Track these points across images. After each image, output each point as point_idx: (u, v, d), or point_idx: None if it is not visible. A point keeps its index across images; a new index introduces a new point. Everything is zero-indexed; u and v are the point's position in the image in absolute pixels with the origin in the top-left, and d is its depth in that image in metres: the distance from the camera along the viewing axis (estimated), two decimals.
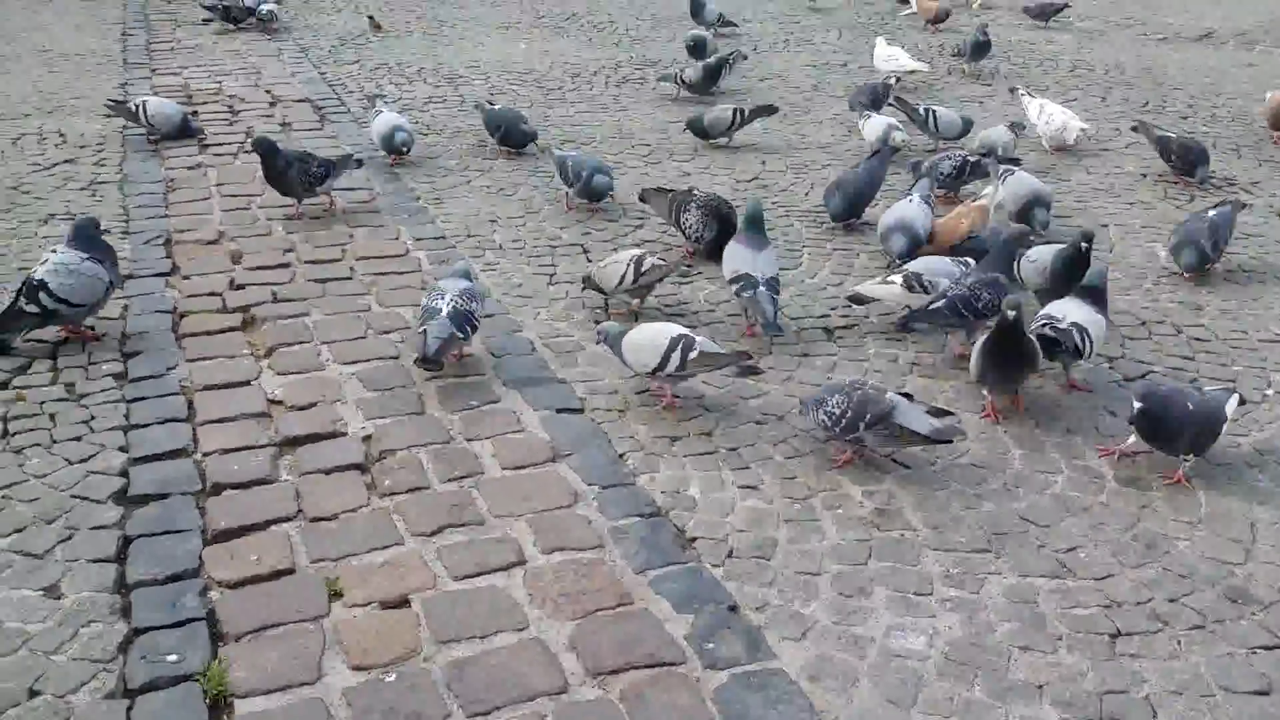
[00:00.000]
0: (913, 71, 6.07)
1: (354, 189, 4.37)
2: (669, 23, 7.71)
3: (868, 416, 2.52)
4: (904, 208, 3.77)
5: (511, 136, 4.78)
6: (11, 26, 7.20)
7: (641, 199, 4.08)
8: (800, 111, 5.64)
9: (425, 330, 2.91)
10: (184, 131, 4.87)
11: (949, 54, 6.78)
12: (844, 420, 2.55)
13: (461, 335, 2.94)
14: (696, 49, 6.25)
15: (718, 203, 3.81)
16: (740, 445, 2.70)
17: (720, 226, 3.71)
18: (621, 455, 2.65)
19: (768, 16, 8.01)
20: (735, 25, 7.18)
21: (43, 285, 2.99)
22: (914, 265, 3.34)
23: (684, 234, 3.81)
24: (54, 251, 3.11)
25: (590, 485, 2.52)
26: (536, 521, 2.38)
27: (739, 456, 2.66)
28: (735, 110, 4.98)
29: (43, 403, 2.78)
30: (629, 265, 3.30)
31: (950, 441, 2.59)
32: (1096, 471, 2.63)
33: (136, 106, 4.85)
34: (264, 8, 7.36)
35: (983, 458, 2.68)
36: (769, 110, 5.12)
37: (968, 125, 4.93)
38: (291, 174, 4.03)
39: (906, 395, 2.65)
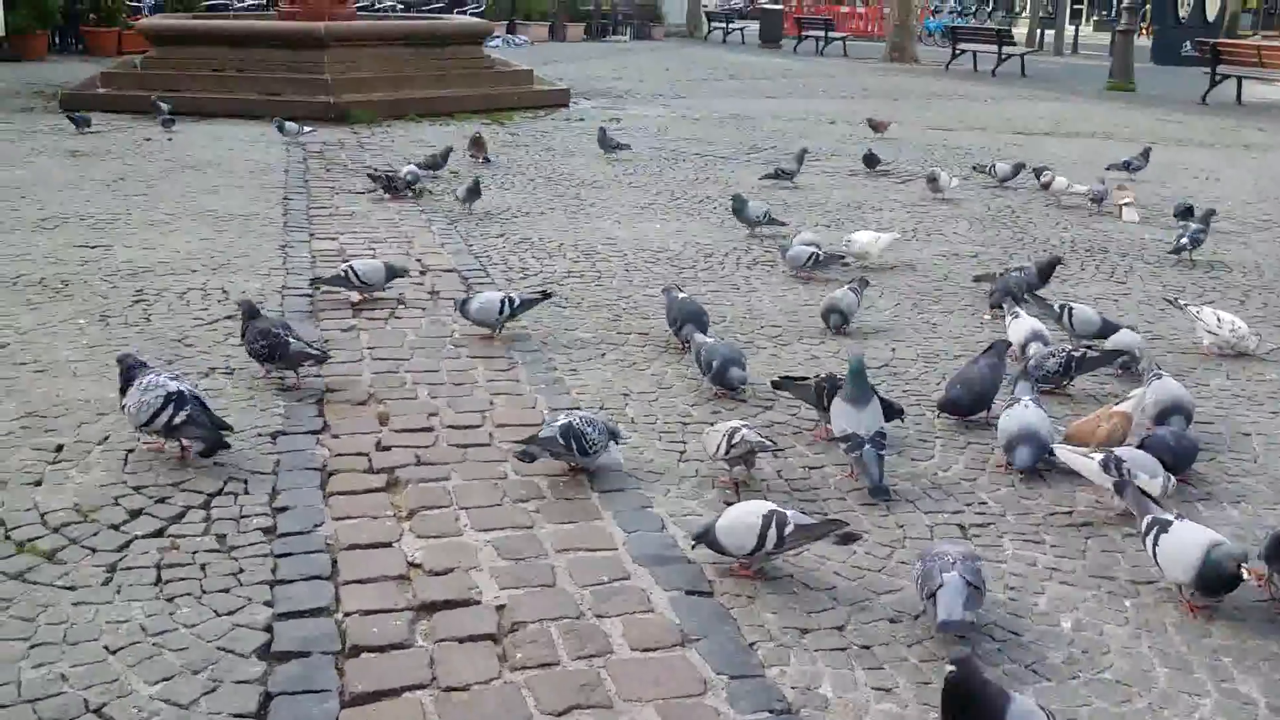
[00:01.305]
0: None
1: (492, 358, 4.54)
2: (799, 209, 7.94)
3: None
4: (1025, 415, 3.66)
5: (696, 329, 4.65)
6: (183, 190, 7.78)
7: (776, 387, 4.13)
8: (930, 300, 5.69)
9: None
10: (391, 277, 5.19)
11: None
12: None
13: (566, 446, 3.32)
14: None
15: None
16: (874, 643, 2.65)
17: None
18: (751, 644, 2.63)
19: (897, 205, 8.18)
20: (782, 224, 7.00)
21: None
22: (1120, 449, 3.38)
23: (825, 414, 3.81)
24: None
25: (720, 674, 2.49)
26: (665, 709, 2.36)
27: (873, 655, 2.60)
28: (851, 288, 5.10)
29: (195, 552, 2.90)
30: (724, 436, 3.41)
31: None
32: (1247, 697, 2.50)
33: (345, 272, 5.11)
34: (407, 169, 7.91)
35: (1125, 673, 2.57)
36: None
37: (1106, 326, 4.88)
38: (249, 342, 4.07)
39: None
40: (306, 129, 9.98)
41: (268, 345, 3.99)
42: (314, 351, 4.09)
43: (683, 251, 6.53)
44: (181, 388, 3.39)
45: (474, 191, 7.31)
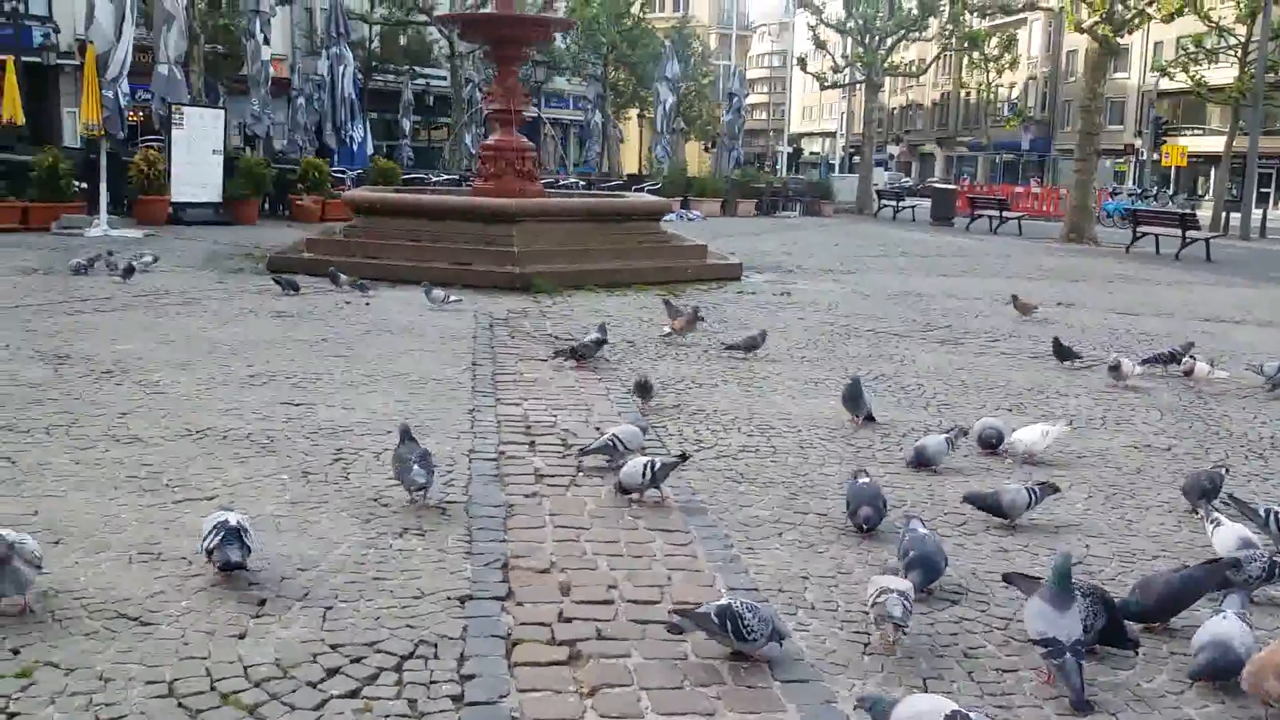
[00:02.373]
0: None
1: (670, 531, 4.56)
2: (978, 389, 7.81)
3: None
4: (1219, 624, 3.42)
5: (870, 522, 4.63)
6: (379, 353, 8.21)
7: (1007, 581, 3.97)
8: (1124, 495, 5.46)
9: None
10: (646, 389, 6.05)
11: None
12: None
13: (720, 626, 3.35)
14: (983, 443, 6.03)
15: (1101, 592, 3.64)
16: None
17: (1108, 615, 3.55)
18: None
19: (1082, 391, 7.95)
20: (874, 420, 6.70)
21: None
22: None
23: None
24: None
25: None
26: None
27: None
28: (1028, 489, 4.89)
29: (387, 717, 2.96)
30: (875, 592, 3.40)
31: None
32: None
33: (611, 442, 5.34)
34: (589, 338, 8.20)
35: None
36: (1054, 490, 4.98)
37: None
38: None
39: None
40: (453, 298, 10.51)
41: (397, 468, 4.73)
42: (421, 481, 4.63)
43: (858, 430, 6.48)
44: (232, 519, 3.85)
45: (644, 388, 6.93)
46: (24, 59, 27.78)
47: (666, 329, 9.31)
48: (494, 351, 8.46)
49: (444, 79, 41.12)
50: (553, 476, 5.24)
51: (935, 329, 10.68)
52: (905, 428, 6.61)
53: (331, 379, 7.18)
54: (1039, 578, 3.84)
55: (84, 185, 18.62)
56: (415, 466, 4.64)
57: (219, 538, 3.76)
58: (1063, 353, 8.80)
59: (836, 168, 62.24)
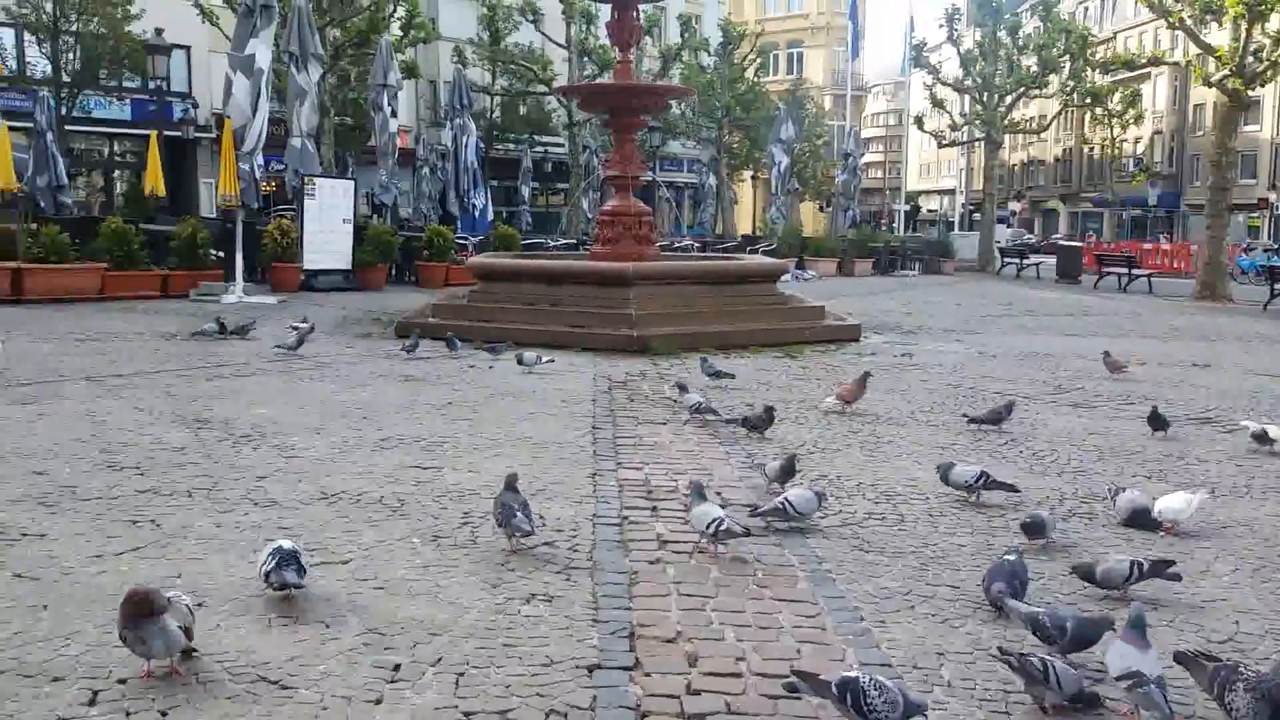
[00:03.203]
0: None
1: (798, 601, 4.49)
2: (1114, 455, 7.54)
3: None
4: None
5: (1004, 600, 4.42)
6: (502, 416, 8.34)
7: (1178, 661, 3.77)
8: (1273, 568, 5.18)
9: None
10: (821, 502, 5.65)
11: None
12: None
13: (840, 698, 3.26)
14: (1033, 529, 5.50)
15: (1271, 685, 3.42)
16: None
17: (1272, 713, 3.35)
18: None
19: (1223, 457, 7.61)
20: (1014, 489, 6.28)
21: None
22: None
23: (1228, 715, 3.44)
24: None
25: None
26: None
27: None
28: (1133, 564, 4.65)
29: None
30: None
31: None
32: None
33: (782, 505, 5.42)
34: (689, 398, 8.26)
35: None
36: (1170, 569, 4.71)
37: None
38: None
39: None
40: (544, 359, 10.69)
41: (499, 512, 4.98)
42: (526, 528, 4.88)
43: (987, 496, 6.30)
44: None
45: (765, 419, 7.60)
46: (165, 133, 29.34)
47: (831, 399, 8.92)
48: (614, 414, 8.51)
49: (562, 146, 42.04)
50: (676, 543, 5.22)
51: (1065, 391, 10.37)
52: (1040, 495, 6.41)
53: (458, 443, 7.31)
54: (1211, 657, 3.64)
55: (220, 254, 19.48)
56: (519, 514, 4.90)
57: (275, 561, 4.14)
58: (1157, 422, 8.21)
59: (956, 225, 61.35)
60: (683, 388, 8.70)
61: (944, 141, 42.43)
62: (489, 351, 11.32)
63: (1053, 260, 33.06)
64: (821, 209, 56.54)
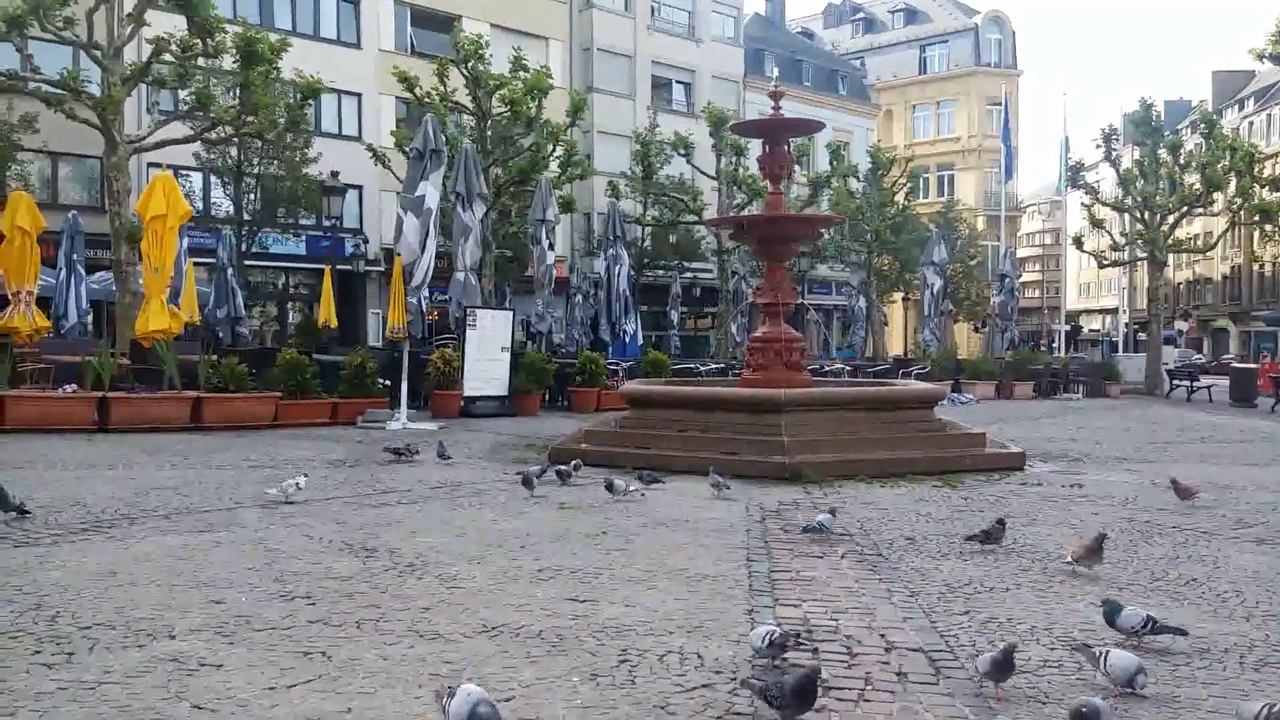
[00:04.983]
0: None
1: None
2: None
3: None
4: None
5: None
6: (656, 546, 8.32)
7: None
8: None
9: None
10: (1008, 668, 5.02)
11: None
12: None
13: None
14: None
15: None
16: None
17: None
18: None
19: None
20: (1182, 633, 5.88)
21: None
22: None
23: None
24: None
25: None
26: None
27: None
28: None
29: None
30: None
31: None
32: None
33: (1099, 654, 5.11)
34: (819, 518, 8.17)
35: None
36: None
37: None
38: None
39: None
40: (632, 487, 10.66)
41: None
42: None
43: (1170, 646, 5.93)
44: None
45: (1006, 665, 6.51)
46: (337, 267, 31.05)
47: (1068, 558, 8.01)
48: (768, 546, 8.40)
49: (710, 271, 42.67)
50: (840, 688, 5.06)
51: (1249, 526, 9.76)
52: (1225, 641, 6.00)
53: (612, 574, 7.32)
54: None
55: (387, 381, 20.30)
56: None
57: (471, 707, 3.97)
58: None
59: (1119, 345, 59.31)
60: (821, 525, 8.59)
61: (1105, 262, 41.36)
62: (641, 480, 11.38)
63: (1225, 382, 31.51)
64: (976, 329, 55.49)
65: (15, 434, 15.45)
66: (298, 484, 9.82)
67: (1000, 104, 53.40)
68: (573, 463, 12.03)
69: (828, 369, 27.65)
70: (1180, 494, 10.68)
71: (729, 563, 7.77)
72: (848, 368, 29.76)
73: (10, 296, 19.01)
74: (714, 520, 9.53)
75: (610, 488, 10.64)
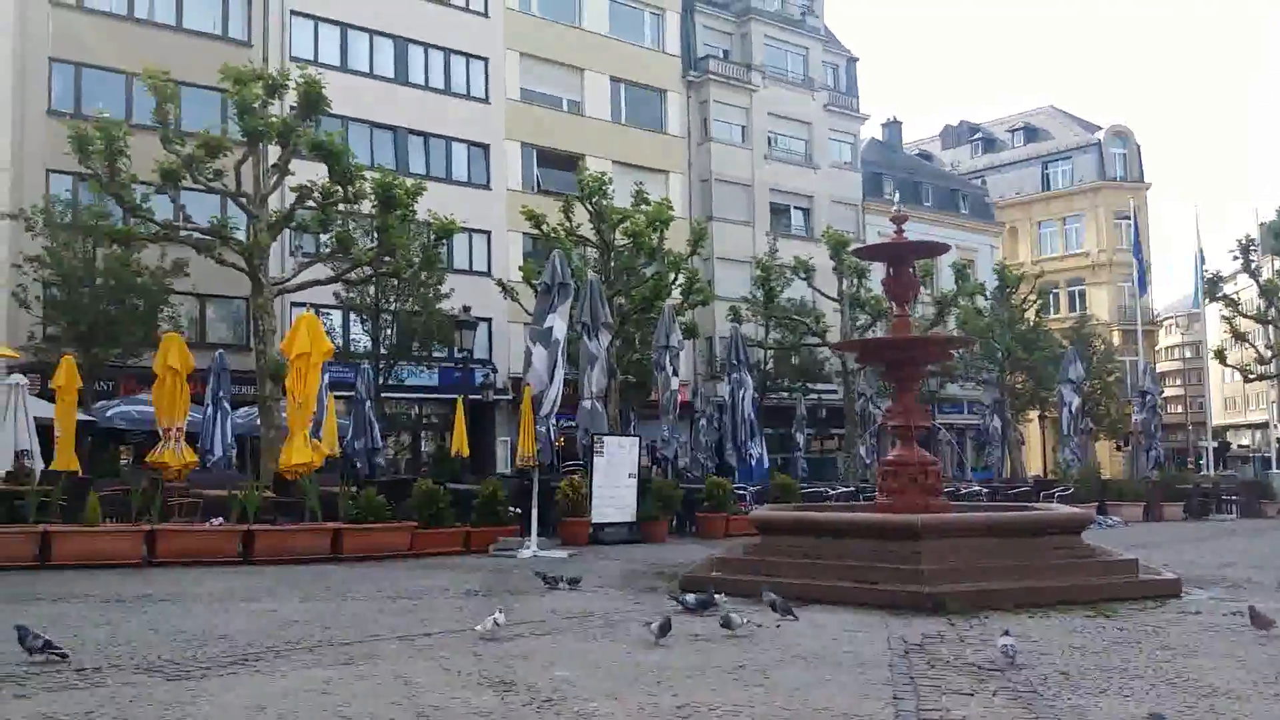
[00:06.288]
0: None
1: None
2: None
3: None
4: None
5: None
6: (795, 683, 8.06)
7: None
8: None
9: None
10: None
11: None
12: None
13: None
14: None
15: None
16: None
17: None
18: None
19: None
20: None
21: None
22: None
23: None
24: None
25: None
26: None
27: None
28: None
29: None
30: None
31: None
32: None
33: None
34: (1003, 642, 7.88)
35: None
36: None
37: None
38: None
39: None
40: (756, 622, 10.20)
41: None
42: None
43: None
44: None
45: None
46: (468, 397, 31.81)
47: None
48: (914, 682, 8.07)
49: (835, 392, 42.33)
50: None
51: None
52: None
53: (753, 712, 7.11)
54: None
55: (517, 509, 20.51)
56: None
57: None
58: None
59: (1272, 461, 56.26)
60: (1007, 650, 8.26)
61: (1251, 376, 39.66)
62: (773, 609, 11.12)
63: None
64: (1118, 448, 53.44)
65: (165, 566, 16.03)
66: (495, 620, 9.78)
67: (1129, 218, 52.46)
68: (710, 591, 11.82)
69: (964, 491, 26.87)
70: (1256, 624, 9.99)
71: (874, 700, 7.48)
72: (985, 490, 28.87)
73: (161, 433, 19.97)
74: (852, 654, 9.22)
75: (727, 624, 10.13)
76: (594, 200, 30.99)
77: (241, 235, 25.96)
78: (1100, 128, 73.22)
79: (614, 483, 21.39)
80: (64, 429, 20.72)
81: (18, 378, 23.20)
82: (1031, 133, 76.12)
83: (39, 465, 21.59)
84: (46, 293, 30.30)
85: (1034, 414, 52.65)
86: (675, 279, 31.92)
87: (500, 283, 34.88)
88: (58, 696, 7.34)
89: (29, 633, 8.42)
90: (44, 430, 22.46)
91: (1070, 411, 33.29)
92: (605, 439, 21.97)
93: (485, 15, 44.35)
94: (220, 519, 17.55)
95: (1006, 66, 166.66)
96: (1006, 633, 8.96)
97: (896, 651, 9.35)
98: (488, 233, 42.25)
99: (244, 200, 24.80)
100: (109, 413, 28.12)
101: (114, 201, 24.75)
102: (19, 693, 7.44)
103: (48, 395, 23.56)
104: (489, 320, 39.50)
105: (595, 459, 21.35)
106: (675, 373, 26.19)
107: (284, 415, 20.31)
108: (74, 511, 16.36)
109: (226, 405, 25.98)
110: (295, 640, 9.83)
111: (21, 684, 7.70)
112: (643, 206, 31.25)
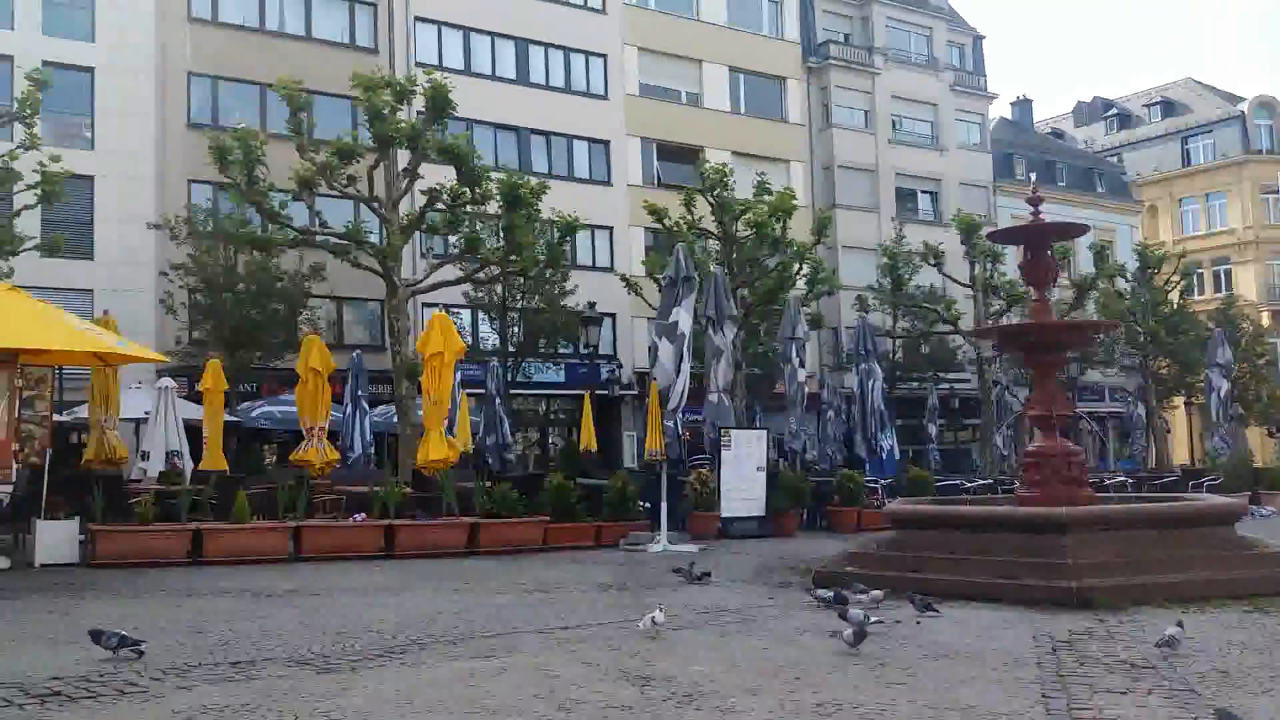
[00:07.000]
0: None
1: None
2: None
3: None
4: None
5: None
6: (938, 680, 7.90)
7: None
8: None
9: None
10: None
11: None
12: None
13: None
14: None
15: None
16: None
17: None
18: None
19: None
20: None
21: None
22: None
23: None
24: None
25: None
26: None
27: None
28: None
29: None
30: None
31: None
32: None
33: None
34: (1169, 631, 7.78)
35: None
36: None
37: None
38: None
39: None
40: (874, 620, 9.69)
41: None
42: None
43: None
44: None
45: None
46: (595, 393, 32.10)
47: None
48: (1063, 681, 7.82)
49: (968, 381, 41.33)
50: None
51: None
52: None
53: (895, 710, 7.00)
54: None
55: (646, 504, 20.59)
56: None
57: None
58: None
59: None
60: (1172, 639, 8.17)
61: None
62: (914, 605, 10.90)
63: None
64: (1270, 434, 50.88)
65: (311, 561, 16.59)
66: (654, 619, 9.78)
67: (1276, 191, 49.83)
68: (855, 587, 11.60)
69: (1109, 482, 25.91)
70: None
71: (1022, 699, 7.28)
72: (1130, 480, 27.81)
73: (305, 432, 20.67)
74: (998, 651, 8.98)
75: (845, 617, 9.61)
76: (715, 192, 30.87)
77: (375, 239, 26.70)
78: (1243, 99, 69.66)
79: (742, 476, 21.30)
80: (212, 430, 21.66)
81: (167, 381, 24.34)
82: (1169, 106, 72.84)
83: (189, 465, 22.63)
84: (191, 299, 31.72)
85: (1180, 400, 50.48)
86: (799, 269, 31.58)
87: (624, 278, 35.03)
88: (217, 688, 7.66)
89: (103, 633, 8.62)
90: (192, 431, 23.55)
91: (1219, 397, 31.79)
92: (733, 432, 21.90)
93: (603, 12, 44.62)
94: (362, 515, 18.07)
95: (1140, 40, 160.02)
96: (1179, 624, 8.68)
97: (1044, 648, 9.07)
98: (610, 228, 42.52)
99: (376, 204, 25.48)
100: (253, 413, 29.27)
101: (253, 209, 25.70)
102: (180, 684, 7.79)
103: (195, 398, 24.67)
104: (613, 316, 39.73)
105: (723, 452, 21.31)
106: (802, 364, 25.91)
107: (420, 413, 20.79)
108: (224, 509, 17.06)
109: (365, 404, 26.76)
110: (439, 633, 10.06)
111: (183, 675, 8.06)
112: (764, 197, 31.00)
